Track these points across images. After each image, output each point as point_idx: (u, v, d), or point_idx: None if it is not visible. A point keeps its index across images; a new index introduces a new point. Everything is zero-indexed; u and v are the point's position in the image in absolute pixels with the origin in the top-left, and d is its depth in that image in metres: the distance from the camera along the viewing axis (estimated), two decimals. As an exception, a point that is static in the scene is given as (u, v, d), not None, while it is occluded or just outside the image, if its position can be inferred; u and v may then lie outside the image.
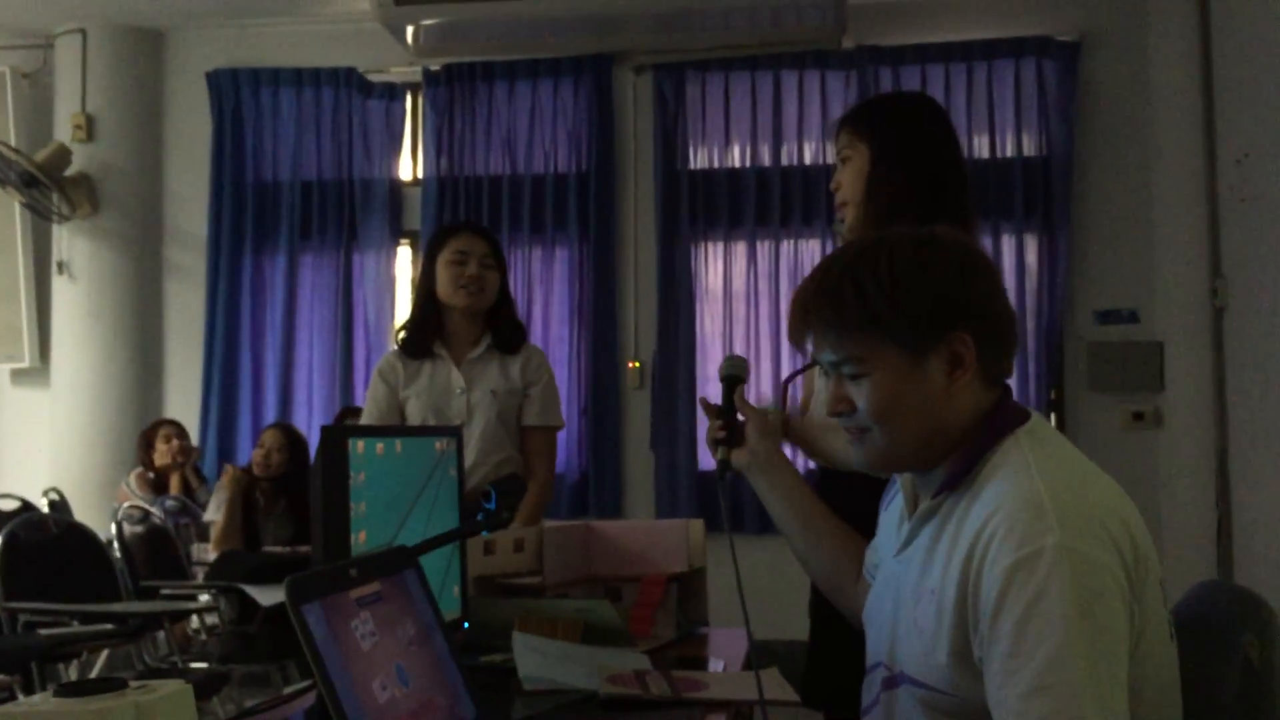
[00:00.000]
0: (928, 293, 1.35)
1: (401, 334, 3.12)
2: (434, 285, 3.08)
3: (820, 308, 1.39)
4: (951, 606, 1.28)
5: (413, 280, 3.10)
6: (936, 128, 2.16)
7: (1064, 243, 5.55)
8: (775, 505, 1.75)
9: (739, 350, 5.77)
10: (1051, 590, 1.19)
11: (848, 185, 2.13)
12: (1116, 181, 5.60)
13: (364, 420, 3.13)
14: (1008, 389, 1.42)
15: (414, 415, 3.02)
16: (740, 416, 1.82)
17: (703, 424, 1.91)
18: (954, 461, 1.37)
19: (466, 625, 1.93)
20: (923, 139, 2.12)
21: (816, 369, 2.13)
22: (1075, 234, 5.58)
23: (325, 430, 1.55)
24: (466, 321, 3.09)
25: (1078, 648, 1.18)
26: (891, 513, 1.54)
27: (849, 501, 1.78)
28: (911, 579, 1.39)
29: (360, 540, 1.57)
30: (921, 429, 1.37)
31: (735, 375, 1.86)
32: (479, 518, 1.62)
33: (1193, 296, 5.35)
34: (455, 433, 1.92)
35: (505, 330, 3.12)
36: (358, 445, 1.58)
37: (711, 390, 5.79)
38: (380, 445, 1.65)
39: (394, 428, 2.85)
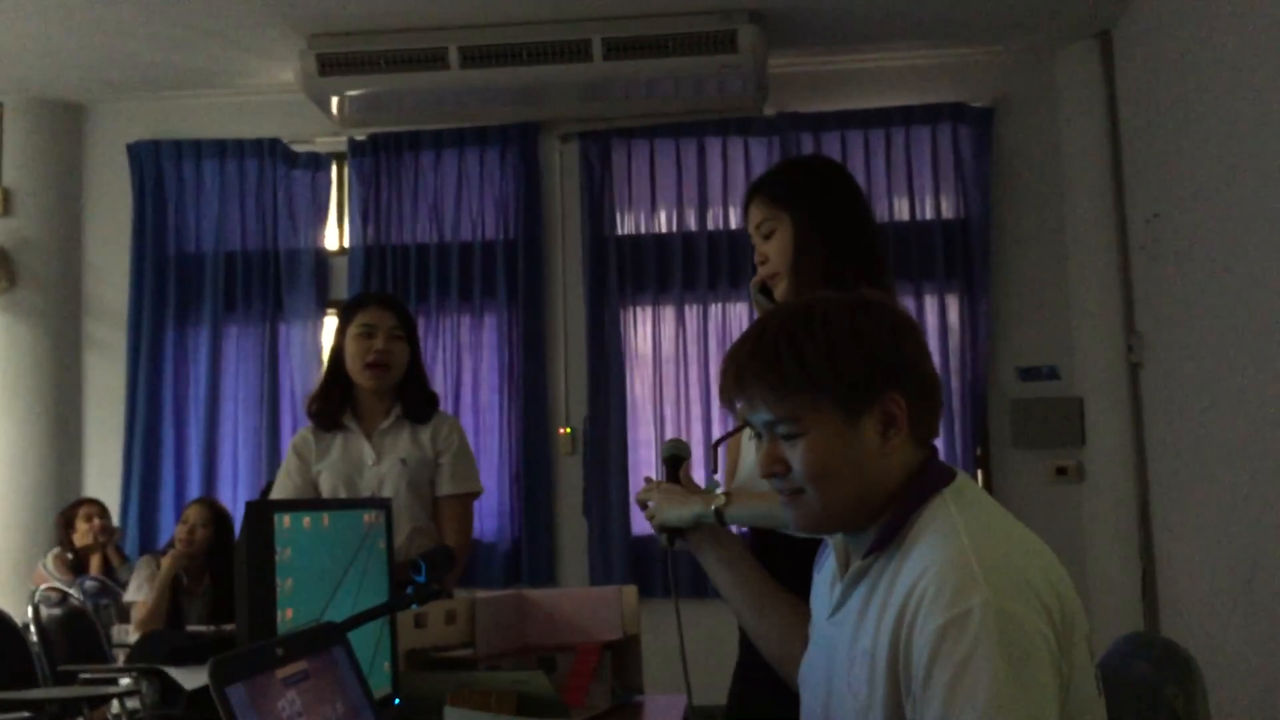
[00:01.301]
0: (862, 355, 1.37)
1: (313, 407, 3.10)
2: (343, 359, 3.07)
3: (756, 369, 1.40)
4: (884, 670, 1.29)
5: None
6: (849, 190, 2.19)
7: (985, 302, 5.67)
8: (723, 577, 1.76)
9: (669, 413, 5.79)
10: (980, 650, 1.20)
11: (776, 256, 2.14)
12: (1033, 241, 5.75)
13: (275, 494, 3.08)
14: (934, 449, 1.44)
15: (326, 488, 2.99)
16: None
17: (636, 488, 1.94)
18: (884, 522, 1.38)
19: (398, 701, 1.89)
20: (839, 202, 2.15)
21: (745, 433, 2.15)
22: (996, 293, 5.71)
23: (250, 505, 1.52)
24: (375, 393, 3.08)
25: (1007, 709, 1.19)
26: (824, 574, 1.54)
27: (783, 564, 1.78)
28: (845, 641, 1.39)
29: (287, 617, 1.54)
30: (855, 489, 1.38)
31: (678, 455, 1.90)
32: (409, 590, 1.59)
33: (1109, 352, 5.49)
34: (385, 505, 1.90)
35: (415, 400, 3.11)
36: (284, 520, 1.55)
37: (644, 455, 5.80)
38: (307, 519, 1.63)
39: (321, 501, 2.82)
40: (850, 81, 5.88)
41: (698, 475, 2.10)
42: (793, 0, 5.17)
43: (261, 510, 1.51)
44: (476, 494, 3.17)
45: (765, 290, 2.20)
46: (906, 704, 1.27)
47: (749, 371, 1.41)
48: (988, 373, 5.69)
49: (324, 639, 1.36)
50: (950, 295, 5.73)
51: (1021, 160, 5.80)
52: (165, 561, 4.64)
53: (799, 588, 1.68)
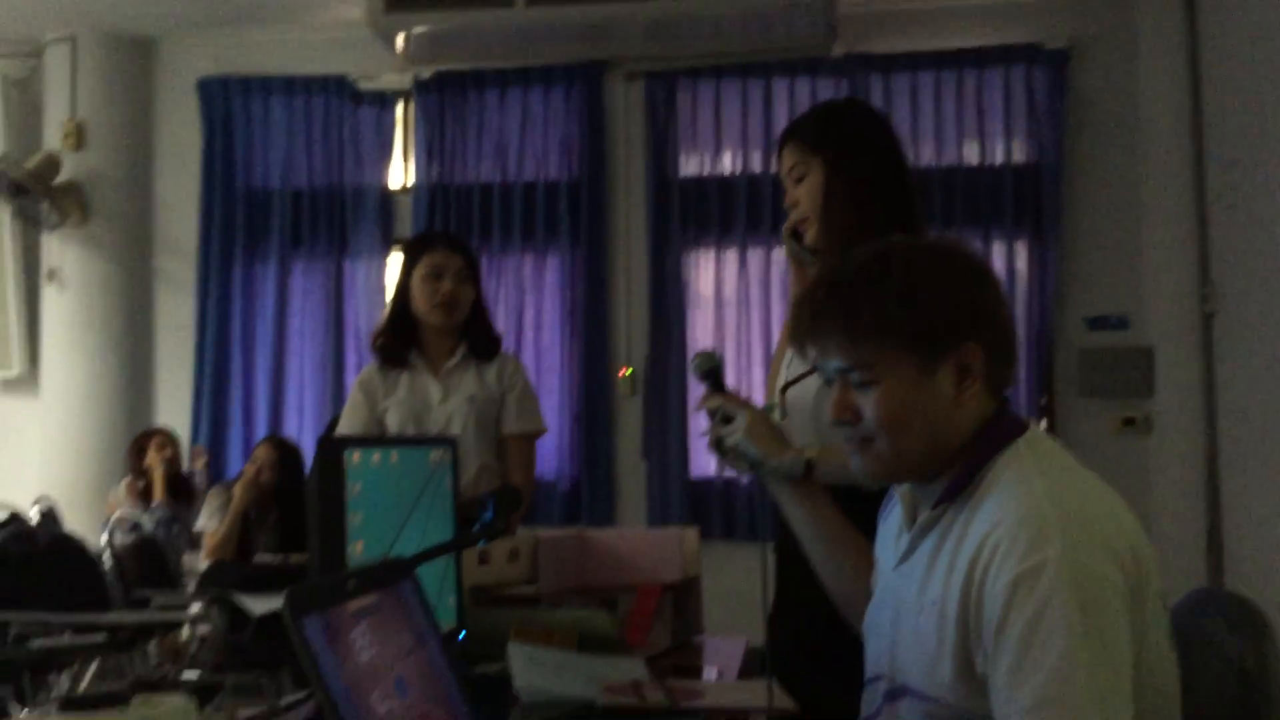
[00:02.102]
0: (943, 302, 1.35)
1: (378, 343, 3.12)
2: (409, 297, 3.08)
3: (833, 314, 1.38)
4: (954, 620, 1.29)
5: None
6: (883, 136, 2.16)
7: (1054, 249, 5.57)
8: (798, 514, 1.71)
9: (730, 356, 5.76)
10: (1055, 603, 1.20)
11: (806, 200, 2.12)
12: (1106, 188, 5.62)
13: (341, 430, 3.13)
14: (1007, 399, 1.42)
15: (393, 425, 3.03)
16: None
17: (696, 432, 1.89)
18: (954, 473, 1.37)
19: (463, 635, 1.93)
20: (872, 148, 2.12)
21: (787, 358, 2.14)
22: (1065, 240, 5.60)
23: (321, 442, 1.55)
24: (441, 332, 3.10)
25: (1082, 660, 1.18)
26: (890, 524, 1.54)
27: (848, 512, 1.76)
28: (912, 591, 1.39)
29: (357, 550, 1.57)
30: (927, 439, 1.37)
31: (716, 368, 1.83)
32: (476, 528, 1.61)
33: (1182, 302, 5.37)
34: (450, 443, 1.92)
35: (480, 339, 3.14)
36: (354, 456, 1.58)
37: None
38: (376, 456, 1.65)
39: (389, 438, 2.86)
40: (922, 22, 5.76)
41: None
42: (865, -63, 5.07)
43: (332, 447, 1.53)
44: (540, 433, 3.19)
45: (797, 236, 2.18)
46: (977, 656, 1.27)
47: (824, 316, 1.39)
48: (1055, 321, 5.60)
49: (393, 573, 1.38)
50: (1019, 242, 5.63)
51: (1097, 104, 5.65)
52: (236, 492, 4.74)
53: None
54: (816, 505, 1.71)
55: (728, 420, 1.75)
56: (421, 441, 2.45)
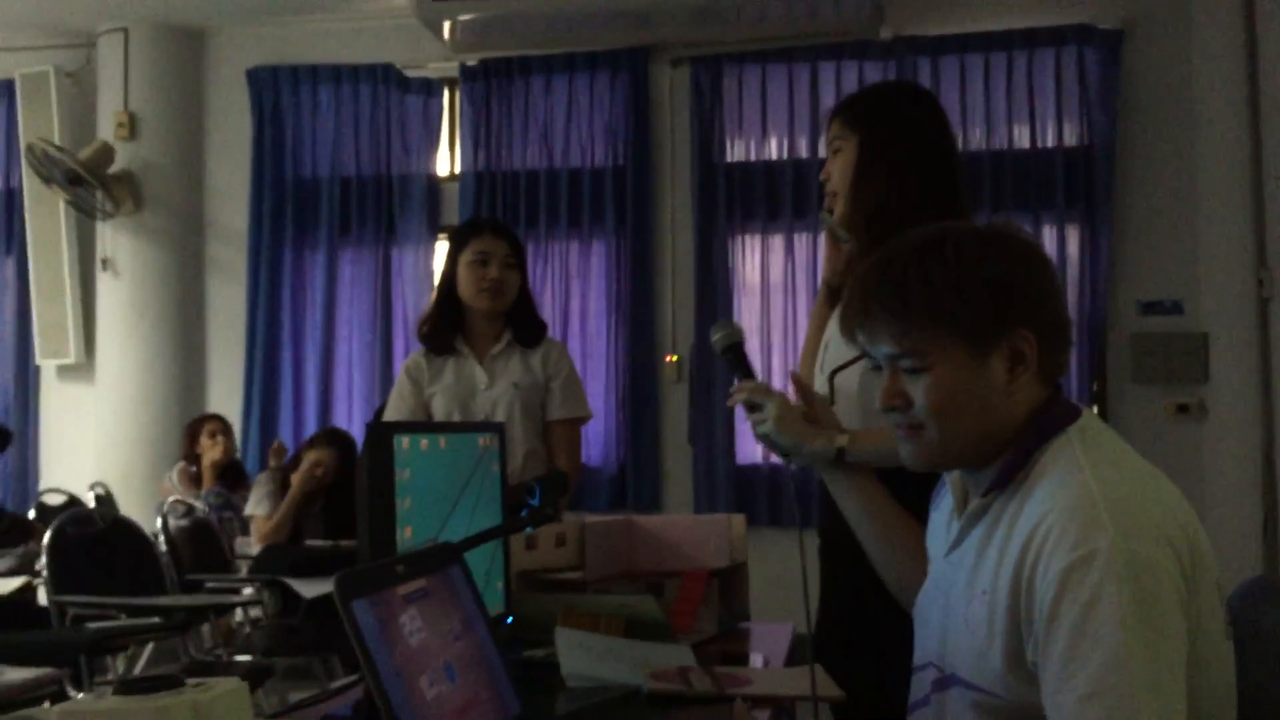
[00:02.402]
0: (993, 288, 1.33)
1: (424, 330, 3.14)
2: (455, 283, 3.09)
3: (884, 299, 1.36)
4: (1004, 609, 1.27)
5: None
6: (926, 117, 2.12)
7: (1106, 233, 5.49)
8: (850, 501, 1.69)
9: (776, 341, 5.75)
10: (1107, 593, 1.18)
11: (837, 176, 2.10)
12: (1160, 171, 5.53)
13: (388, 416, 3.15)
14: (1059, 386, 1.40)
15: (439, 412, 3.04)
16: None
17: (741, 417, 1.85)
18: (1006, 459, 1.35)
19: (510, 620, 1.94)
20: (913, 130, 2.08)
21: (831, 327, 2.11)
22: (1118, 224, 5.52)
23: (370, 427, 1.56)
24: (487, 319, 3.10)
25: (1134, 651, 1.17)
26: (941, 511, 1.52)
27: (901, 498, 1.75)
28: (962, 579, 1.37)
29: (406, 536, 1.58)
30: (977, 427, 1.35)
31: (736, 341, 1.77)
32: (523, 513, 1.62)
33: (1238, 287, 5.28)
34: (498, 429, 1.93)
35: (525, 326, 3.14)
36: (403, 442, 1.58)
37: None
38: (425, 441, 1.66)
39: (438, 424, 2.87)
40: (971, 3, 5.70)
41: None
42: (914, -82, 5.01)
43: (382, 432, 1.54)
44: (586, 419, 3.20)
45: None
46: (1028, 644, 1.26)
47: (874, 301, 1.37)
48: (1107, 305, 5.52)
49: (442, 558, 1.39)
50: (1070, 225, 5.56)
51: (1151, 86, 5.56)
52: (295, 481, 4.77)
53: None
54: (866, 489, 1.69)
55: (755, 408, 1.73)
56: (470, 427, 2.47)
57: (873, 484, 1.69)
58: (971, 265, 1.34)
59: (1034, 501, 1.29)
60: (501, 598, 1.91)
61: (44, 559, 3.66)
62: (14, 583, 3.85)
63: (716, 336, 1.78)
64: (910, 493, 1.68)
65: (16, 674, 2.06)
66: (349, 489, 4.92)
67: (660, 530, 2.41)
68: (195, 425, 5.66)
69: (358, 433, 5.56)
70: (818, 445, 1.69)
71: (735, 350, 1.77)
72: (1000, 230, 1.40)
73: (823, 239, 5.65)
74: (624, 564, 2.37)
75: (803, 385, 1.77)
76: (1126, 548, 1.19)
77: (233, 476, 5.49)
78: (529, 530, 1.94)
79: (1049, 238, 5.53)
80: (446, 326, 3.10)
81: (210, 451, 5.51)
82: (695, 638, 2.11)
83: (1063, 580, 1.20)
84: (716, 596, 2.30)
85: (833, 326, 2.10)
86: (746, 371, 1.77)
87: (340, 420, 5.90)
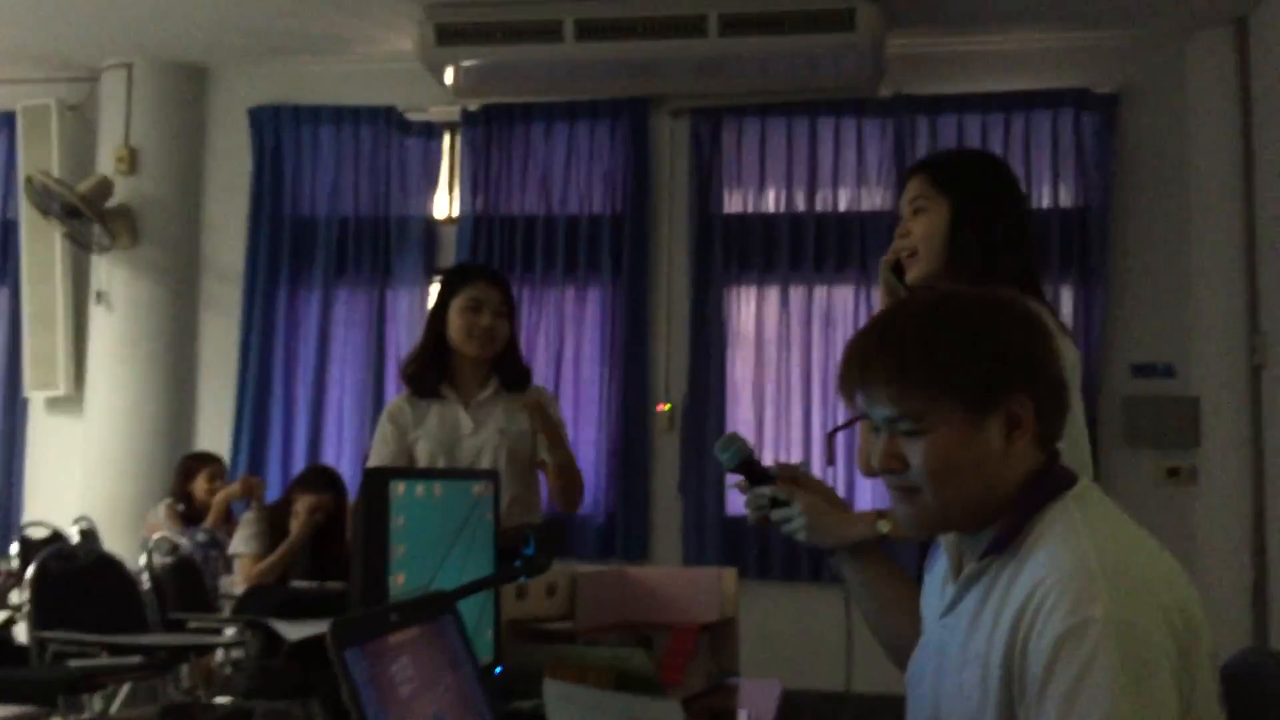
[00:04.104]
0: (991, 353, 1.33)
1: (409, 371, 3.13)
2: (444, 328, 3.09)
3: (883, 360, 1.35)
4: (998, 675, 1.26)
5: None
6: (1015, 190, 2.17)
7: (1100, 295, 5.52)
8: (856, 576, 1.68)
9: (770, 394, 5.76)
10: (1100, 662, 1.17)
11: (920, 235, 2.11)
12: (1154, 235, 5.58)
13: (372, 463, 3.12)
14: (1056, 451, 1.40)
15: (423, 457, 3.02)
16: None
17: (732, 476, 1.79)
18: (1002, 524, 1.35)
19: (499, 670, 1.91)
20: (1002, 197, 2.12)
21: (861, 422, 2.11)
22: (1112, 287, 5.55)
23: (367, 473, 1.55)
24: (474, 364, 3.10)
25: None
26: (935, 575, 1.51)
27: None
28: (956, 644, 1.36)
29: (399, 583, 1.56)
30: (974, 491, 1.35)
31: (749, 456, 1.73)
32: (517, 563, 1.61)
33: (1230, 352, 5.31)
34: (493, 476, 1.92)
35: (512, 372, 3.14)
36: (398, 488, 1.58)
37: (743, 432, 5.76)
38: (420, 488, 1.65)
39: (433, 470, 2.85)
40: (970, 64, 5.76)
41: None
42: (915, -21, 5.08)
43: (379, 478, 1.53)
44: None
45: (898, 269, 2.17)
46: (1020, 711, 1.24)
47: (874, 362, 1.37)
48: (1100, 368, 5.54)
49: (435, 607, 1.38)
50: (1064, 286, 5.58)
51: (1146, 150, 5.61)
52: (295, 529, 4.71)
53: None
54: (871, 565, 1.69)
55: (779, 504, 1.70)
56: (464, 474, 2.45)
57: (880, 559, 1.69)
58: (970, 329, 1.35)
59: (1030, 567, 1.28)
60: (491, 647, 1.90)
61: (26, 594, 3.62)
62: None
63: (726, 455, 1.72)
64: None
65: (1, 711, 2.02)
66: (337, 530, 4.89)
67: (651, 582, 2.39)
68: (190, 464, 5.61)
69: (346, 472, 5.52)
70: (857, 533, 1.68)
71: (747, 465, 1.72)
72: (998, 297, 1.42)
73: (819, 293, 5.71)
74: (614, 615, 2.35)
75: (803, 477, 1.74)
76: (1121, 617, 1.19)
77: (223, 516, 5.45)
78: (523, 580, 1.93)
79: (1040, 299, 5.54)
80: (433, 370, 3.09)
81: (213, 493, 5.44)
82: (684, 692, 2.09)
83: (1056, 648, 1.20)
84: (707, 651, 2.28)
85: None
86: (767, 479, 1.71)
87: (329, 460, 5.86)
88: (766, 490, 1.70)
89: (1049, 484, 1.35)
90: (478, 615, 1.83)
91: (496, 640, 1.91)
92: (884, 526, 1.67)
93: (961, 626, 1.36)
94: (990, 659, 1.28)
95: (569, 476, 3.11)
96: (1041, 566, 1.26)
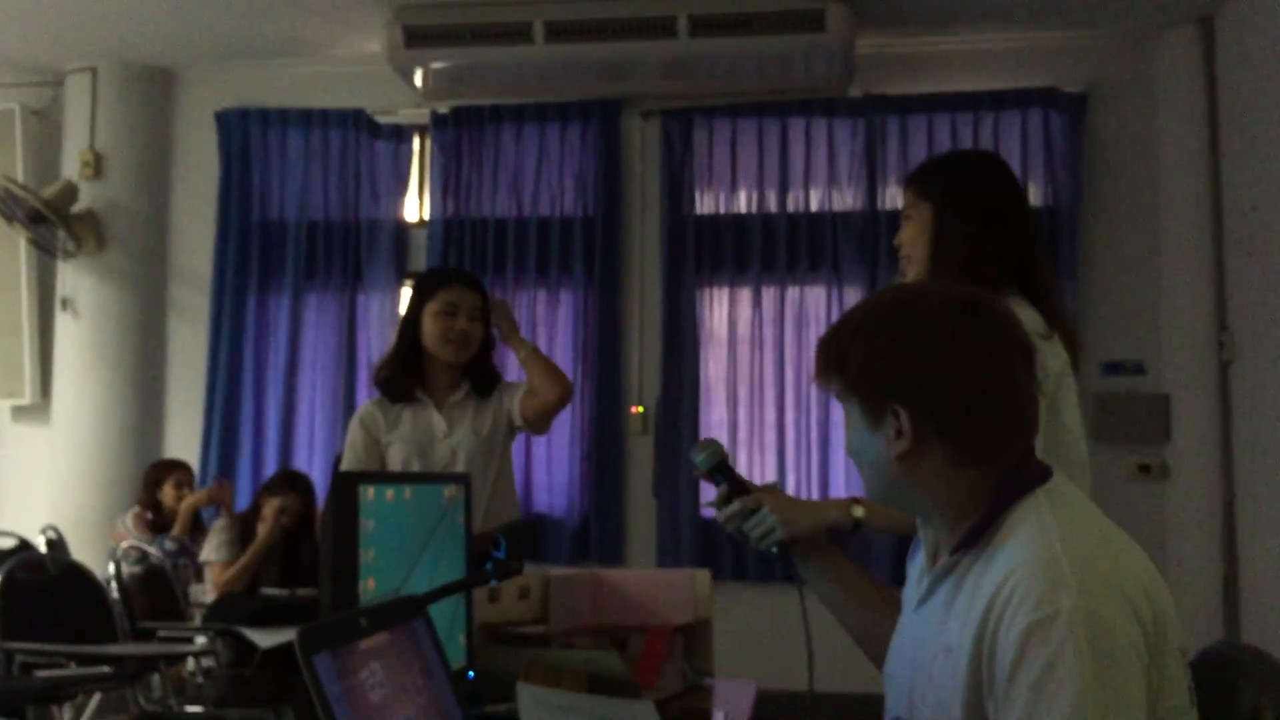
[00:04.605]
0: (873, 359, 1.38)
1: (382, 375, 3.11)
2: (418, 332, 3.07)
3: (822, 350, 1.46)
4: (966, 667, 1.27)
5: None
6: (997, 182, 2.20)
7: (1070, 293, 5.54)
8: (829, 585, 1.72)
9: (743, 395, 5.76)
10: (1066, 654, 1.19)
11: (909, 243, 2.19)
12: (1123, 232, 5.61)
13: (344, 468, 3.10)
14: (1028, 450, 1.40)
15: (396, 461, 3.01)
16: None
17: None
18: (973, 519, 1.36)
19: (472, 675, 1.90)
20: (983, 195, 2.16)
21: None
22: (1081, 284, 5.58)
23: (336, 477, 1.53)
24: (448, 368, 3.09)
25: (1093, 712, 1.17)
26: (915, 566, 1.53)
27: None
28: (929, 635, 1.38)
29: (369, 587, 1.54)
30: (879, 489, 1.44)
31: (724, 459, 1.79)
32: (488, 566, 1.59)
33: (1199, 348, 5.35)
34: (464, 480, 1.90)
35: (483, 376, 3.13)
36: (368, 492, 1.56)
37: (716, 436, 5.75)
38: (390, 492, 1.63)
39: (403, 475, 2.83)
40: (939, 64, 5.78)
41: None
42: (883, -20, 5.09)
43: (348, 482, 1.51)
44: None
45: None
46: (988, 704, 1.26)
47: (820, 351, 1.46)
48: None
49: (405, 611, 1.36)
50: (1034, 285, 5.60)
51: (1115, 148, 5.65)
52: (261, 533, 4.68)
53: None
54: (828, 562, 1.73)
55: (752, 512, 1.76)
56: (435, 478, 2.43)
57: (840, 556, 1.73)
58: (860, 332, 1.40)
59: (1000, 560, 1.30)
60: (464, 652, 1.88)
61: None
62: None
63: (700, 459, 1.78)
64: None
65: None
66: (307, 535, 4.86)
67: (625, 584, 2.38)
68: (157, 471, 5.55)
69: (317, 478, 5.48)
70: (832, 518, 1.77)
71: (722, 469, 1.78)
72: (918, 300, 1.41)
73: (791, 293, 5.71)
74: (588, 618, 2.34)
75: (724, 497, 1.79)
76: (1088, 609, 1.20)
77: (192, 523, 5.39)
78: (494, 584, 1.91)
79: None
80: (406, 374, 3.07)
81: (181, 500, 5.39)
82: (659, 694, 2.08)
83: (1024, 640, 1.21)
84: (681, 652, 2.27)
85: None
86: (739, 486, 1.77)
87: (300, 466, 5.81)
88: (737, 505, 1.74)
89: (1020, 479, 1.36)
90: (450, 619, 1.81)
91: (469, 645, 1.89)
92: (858, 511, 1.71)
93: (935, 618, 1.38)
94: (960, 651, 1.29)
95: (541, 362, 3.11)
96: (1011, 559, 1.28)
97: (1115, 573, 1.25)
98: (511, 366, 5.52)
